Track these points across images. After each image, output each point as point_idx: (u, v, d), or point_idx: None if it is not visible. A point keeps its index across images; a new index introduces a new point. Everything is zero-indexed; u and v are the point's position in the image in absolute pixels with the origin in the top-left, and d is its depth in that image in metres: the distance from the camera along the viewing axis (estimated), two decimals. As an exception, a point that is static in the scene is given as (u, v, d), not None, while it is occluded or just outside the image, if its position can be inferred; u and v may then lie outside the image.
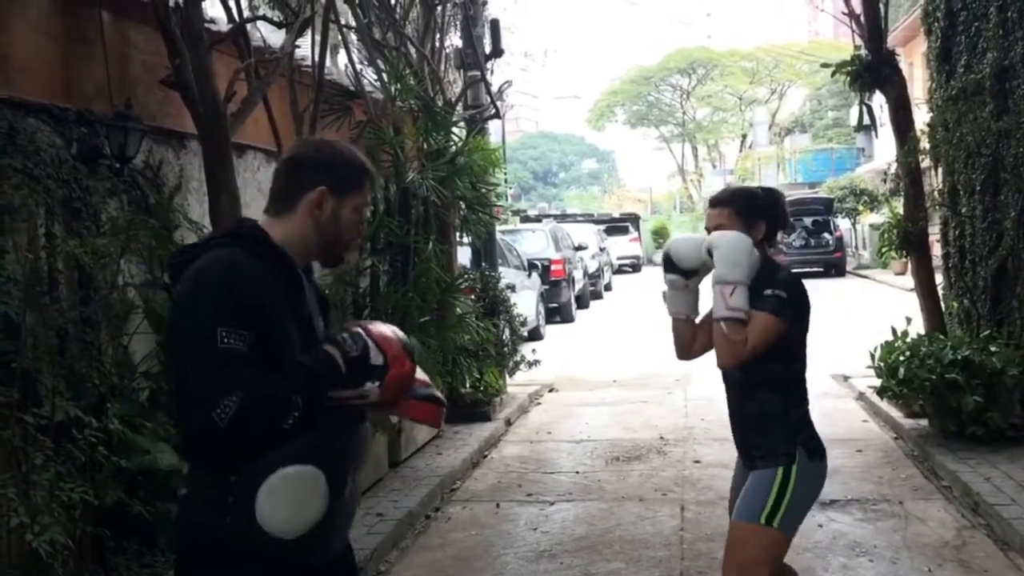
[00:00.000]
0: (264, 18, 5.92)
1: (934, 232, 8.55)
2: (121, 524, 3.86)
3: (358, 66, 6.95)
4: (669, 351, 3.33)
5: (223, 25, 5.40)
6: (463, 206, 7.94)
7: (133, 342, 4.53)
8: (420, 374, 2.24)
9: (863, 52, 7.99)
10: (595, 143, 70.02)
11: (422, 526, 5.63)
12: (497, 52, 9.69)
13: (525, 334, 10.79)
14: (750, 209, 3.00)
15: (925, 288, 7.89)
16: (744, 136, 49.66)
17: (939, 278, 8.24)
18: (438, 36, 8.42)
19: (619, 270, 28.64)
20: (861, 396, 8.61)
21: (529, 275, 14.49)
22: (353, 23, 7.10)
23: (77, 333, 4.04)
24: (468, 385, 8.17)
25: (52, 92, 4.35)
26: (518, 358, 9.25)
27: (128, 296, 4.54)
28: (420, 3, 8.06)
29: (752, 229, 2.95)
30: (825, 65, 8.85)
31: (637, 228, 33.97)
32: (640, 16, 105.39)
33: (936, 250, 8.49)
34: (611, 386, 10.16)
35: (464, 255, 9.97)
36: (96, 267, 4.14)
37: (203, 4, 4.92)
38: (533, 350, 9.70)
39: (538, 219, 26.65)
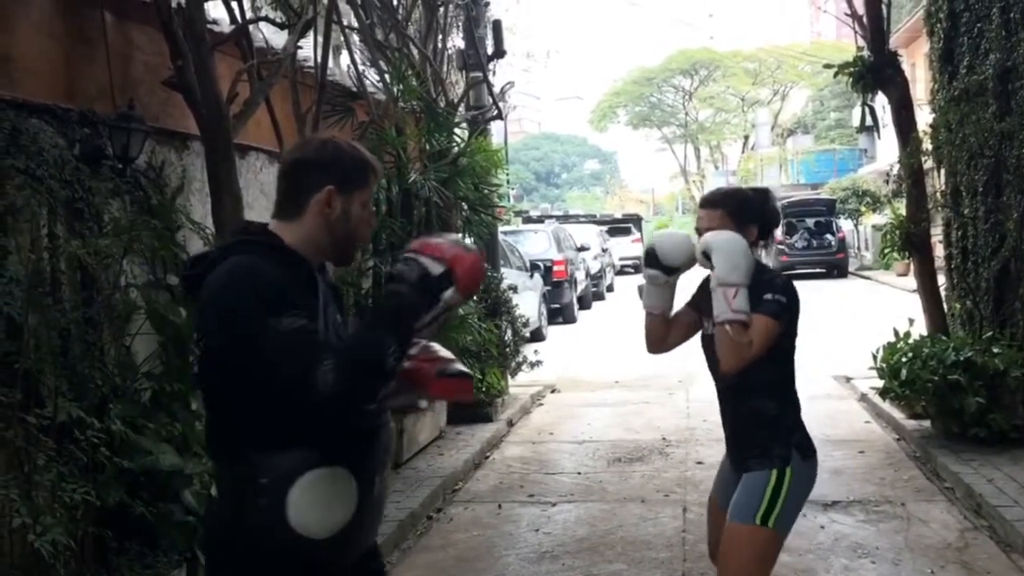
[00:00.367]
0: (266, 19, 5.92)
1: (936, 233, 8.54)
2: (123, 525, 3.87)
3: (360, 67, 6.95)
4: (670, 352, 3.33)
5: (225, 26, 5.41)
6: (465, 207, 7.94)
7: (135, 343, 4.54)
8: (443, 351, 2.29)
9: (865, 53, 7.99)
10: (597, 144, 70.03)
11: (424, 527, 5.63)
12: (499, 53, 9.69)
13: (527, 335, 10.79)
14: (743, 212, 2.98)
15: (927, 289, 7.89)
16: (746, 137, 49.63)
17: (941, 279, 8.23)
18: (440, 37, 8.42)
19: (621, 271, 28.61)
20: (863, 397, 8.60)
21: (531, 276, 14.49)
22: (355, 24, 7.10)
23: (79, 334, 4.04)
24: (470, 386, 8.15)
25: (55, 93, 4.35)
26: (520, 359, 9.25)
27: (130, 297, 4.54)
28: (422, 4, 8.07)
29: (744, 232, 2.93)
30: (828, 66, 8.85)
31: (639, 229, 33.92)
32: (642, 17, 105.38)
33: (938, 251, 8.48)
34: (613, 387, 10.16)
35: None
36: (99, 268, 4.14)
37: (206, 5, 4.92)
38: (535, 351, 9.70)
39: (540, 220, 26.65)
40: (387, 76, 7.01)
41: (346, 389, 1.88)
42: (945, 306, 8.02)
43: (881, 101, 8.49)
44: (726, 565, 2.96)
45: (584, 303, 19.18)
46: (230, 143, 4.82)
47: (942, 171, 8.48)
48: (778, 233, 25.27)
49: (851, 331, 12.52)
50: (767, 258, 3.08)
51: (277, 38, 6.04)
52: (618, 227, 31.88)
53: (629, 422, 8.34)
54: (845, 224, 27.15)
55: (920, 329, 7.56)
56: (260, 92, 5.22)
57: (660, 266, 3.03)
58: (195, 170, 5.35)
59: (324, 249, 2.14)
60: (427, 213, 7.33)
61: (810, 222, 25.52)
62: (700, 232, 3.01)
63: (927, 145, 7.77)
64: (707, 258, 2.83)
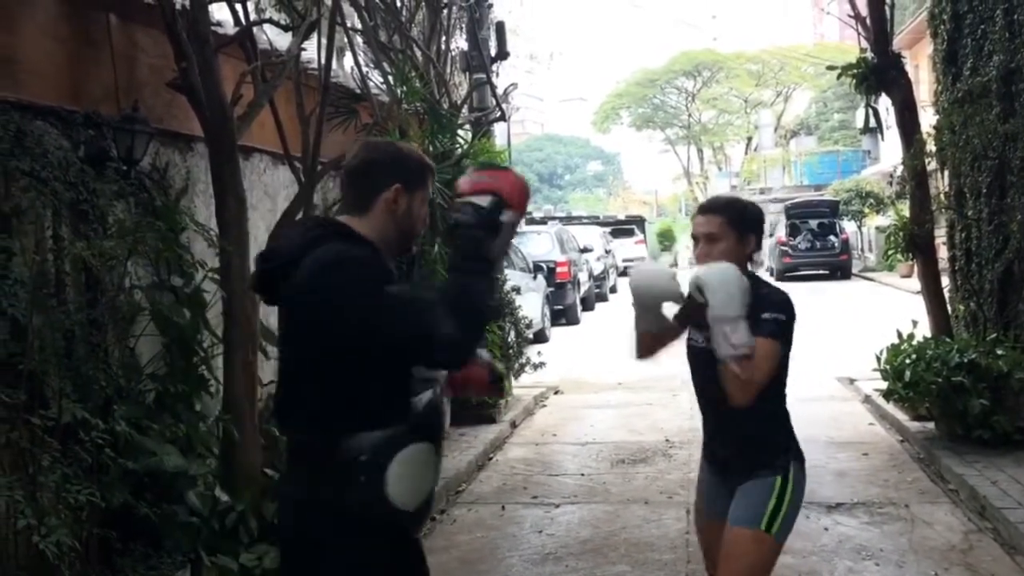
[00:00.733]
0: (271, 21, 5.93)
1: (940, 235, 8.54)
2: (127, 526, 3.88)
3: (364, 69, 6.95)
4: (673, 352, 3.29)
5: (230, 28, 5.41)
6: (469, 208, 7.93)
7: (139, 344, 4.54)
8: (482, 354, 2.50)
9: (869, 55, 7.99)
10: (600, 145, 69.95)
11: (427, 528, 5.63)
12: (502, 55, 9.70)
13: (530, 336, 10.79)
14: (744, 221, 2.91)
15: (931, 291, 7.88)
16: (750, 138, 49.60)
17: (945, 281, 8.22)
18: (444, 39, 8.42)
19: (624, 272, 28.55)
20: (867, 399, 8.59)
21: (534, 277, 14.49)
22: (359, 26, 7.11)
23: (84, 335, 4.05)
24: (473, 387, 8.16)
25: (60, 95, 4.36)
26: (523, 360, 9.25)
27: (135, 298, 4.55)
28: (426, 6, 8.07)
29: (745, 242, 2.89)
30: (831, 67, 8.84)
31: (643, 230, 33.88)
32: (645, 18, 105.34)
33: (942, 253, 8.48)
34: (616, 388, 10.16)
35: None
36: (103, 269, 4.15)
37: (210, 7, 4.93)
38: (538, 352, 9.69)
39: (543, 221, 26.61)
40: (391, 78, 7.01)
41: (464, 332, 2.05)
42: (949, 308, 8.01)
43: (885, 103, 8.48)
44: (729, 570, 2.88)
45: (587, 304, 19.18)
46: (234, 145, 4.82)
47: (946, 173, 8.48)
48: (781, 234, 25.36)
49: (855, 333, 12.50)
50: (764, 256, 3.02)
51: (281, 40, 6.04)
52: (621, 228, 31.83)
53: (632, 423, 8.34)
54: (848, 226, 27.13)
55: (924, 331, 7.55)
56: (264, 94, 5.22)
57: (646, 307, 2.94)
58: (199, 172, 5.36)
59: (389, 241, 2.29)
60: (431, 214, 7.33)
61: (813, 223, 25.49)
62: (696, 238, 2.93)
63: (931, 147, 7.77)
64: (700, 292, 2.72)
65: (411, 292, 2.17)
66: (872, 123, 8.80)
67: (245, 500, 4.38)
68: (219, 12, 5.34)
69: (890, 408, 7.62)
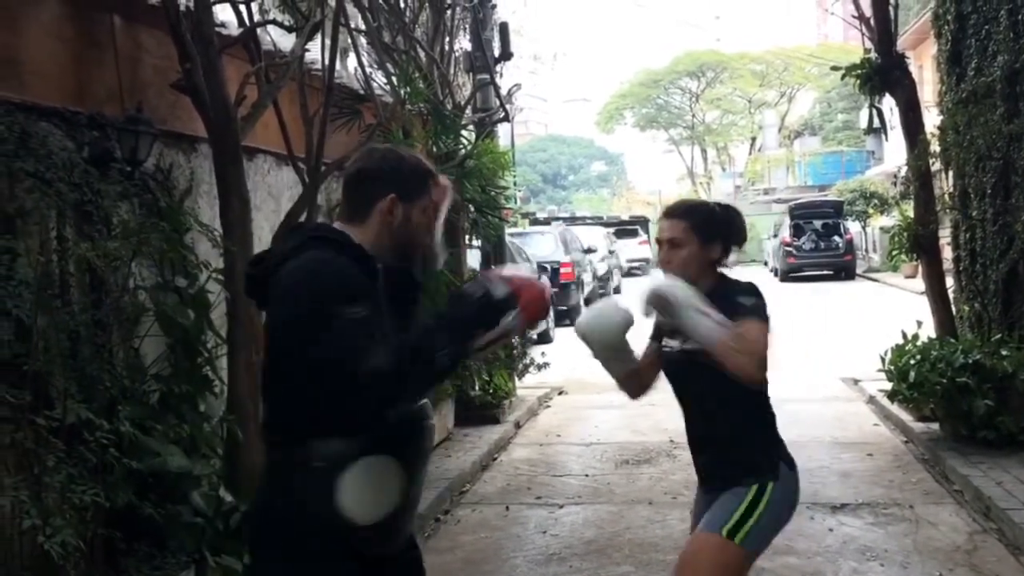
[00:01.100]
0: (274, 22, 5.93)
1: (944, 235, 8.53)
2: (132, 526, 3.88)
3: (368, 70, 6.96)
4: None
5: (233, 29, 5.42)
6: (472, 209, 7.95)
7: (144, 345, 4.55)
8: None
9: (873, 55, 7.99)
10: (604, 146, 69.95)
11: (431, 529, 5.63)
12: (506, 55, 9.70)
13: (534, 337, 10.79)
14: (708, 227, 2.80)
15: (936, 291, 7.87)
16: (753, 139, 49.56)
17: (950, 281, 8.21)
18: (447, 39, 8.43)
19: (628, 273, 28.58)
20: (871, 399, 8.58)
21: (538, 278, 14.46)
22: (363, 27, 7.11)
23: (88, 336, 4.05)
24: (477, 388, 8.18)
25: (64, 96, 4.36)
26: (527, 361, 9.25)
27: (139, 299, 4.55)
28: (430, 7, 8.07)
29: (708, 249, 2.78)
30: (835, 68, 8.84)
31: (646, 231, 33.85)
32: (648, 19, 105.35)
33: (947, 253, 8.47)
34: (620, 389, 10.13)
35: (474, 258, 9.98)
36: (107, 270, 4.15)
37: (214, 9, 4.93)
38: (542, 353, 9.68)
39: (547, 222, 26.66)
40: (394, 79, 7.01)
41: (392, 385, 1.98)
42: (953, 308, 8.01)
43: (889, 103, 8.47)
44: (682, 573, 2.76)
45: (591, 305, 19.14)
46: (238, 146, 4.83)
47: (950, 173, 8.47)
48: (785, 235, 25.35)
49: (859, 333, 12.49)
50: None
51: (285, 41, 6.05)
52: (625, 229, 31.87)
53: (636, 424, 8.34)
54: (853, 226, 27.09)
55: (928, 331, 7.55)
56: (268, 95, 5.23)
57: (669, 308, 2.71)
58: (203, 172, 5.36)
59: (387, 251, 2.24)
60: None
61: (817, 224, 25.48)
62: (660, 243, 2.84)
63: (935, 147, 7.76)
64: (658, 307, 2.65)
65: (363, 319, 2.00)
66: (876, 123, 8.78)
67: (249, 500, 4.38)
68: (223, 13, 5.35)
69: (894, 409, 7.61)
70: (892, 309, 15.22)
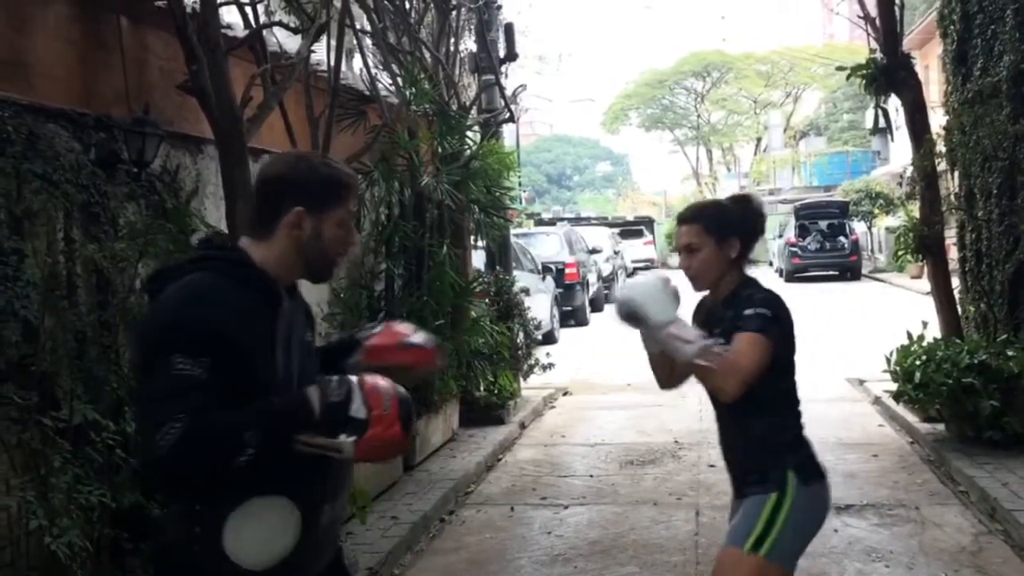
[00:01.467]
0: (280, 24, 5.95)
1: (950, 236, 8.51)
2: (139, 526, 3.89)
3: (373, 71, 6.97)
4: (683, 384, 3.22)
5: (239, 31, 5.43)
6: (477, 210, 7.95)
7: (150, 345, 4.55)
8: (403, 326, 2.30)
9: (878, 55, 7.97)
10: (609, 146, 69.94)
11: (436, 529, 5.64)
12: (511, 56, 9.71)
13: (539, 337, 10.79)
14: (722, 225, 2.77)
15: (941, 292, 7.86)
16: (759, 139, 49.52)
17: (955, 282, 8.20)
18: (453, 40, 8.44)
19: (633, 273, 28.56)
20: (877, 400, 8.58)
21: (543, 278, 14.49)
22: (368, 28, 7.13)
23: (95, 337, 4.07)
24: (482, 388, 8.19)
25: (71, 97, 4.38)
26: (532, 361, 9.26)
27: (145, 300, 4.56)
28: (435, 8, 8.08)
29: (725, 246, 2.75)
30: (840, 68, 8.82)
31: (652, 231, 33.89)
32: (654, 19, 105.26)
33: (952, 254, 8.45)
34: (625, 390, 10.15)
35: (478, 259, 10.00)
36: (114, 271, 4.16)
37: (220, 10, 4.95)
38: (547, 353, 9.70)
39: (552, 222, 26.66)
40: (399, 79, 7.03)
41: (178, 459, 1.79)
42: (959, 309, 7.99)
43: (894, 103, 8.46)
44: None
45: (596, 306, 19.17)
46: (244, 147, 4.84)
47: (956, 173, 8.46)
48: (791, 235, 25.31)
49: (864, 334, 12.48)
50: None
51: (291, 42, 6.06)
52: (630, 229, 31.85)
53: (641, 425, 8.34)
54: (858, 226, 27.09)
55: (934, 332, 7.53)
56: (274, 96, 5.24)
57: (640, 323, 2.69)
58: (209, 174, 5.38)
59: (295, 269, 2.07)
60: (439, 216, 7.36)
61: (823, 224, 25.46)
62: (679, 250, 2.83)
63: (941, 147, 7.75)
64: (632, 316, 2.62)
65: (184, 377, 1.81)
66: (882, 124, 8.79)
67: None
68: (229, 15, 5.36)
69: (900, 409, 7.60)
70: (897, 310, 15.21)
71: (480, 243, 9.19)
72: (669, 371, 2.96)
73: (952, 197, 8.51)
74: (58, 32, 4.36)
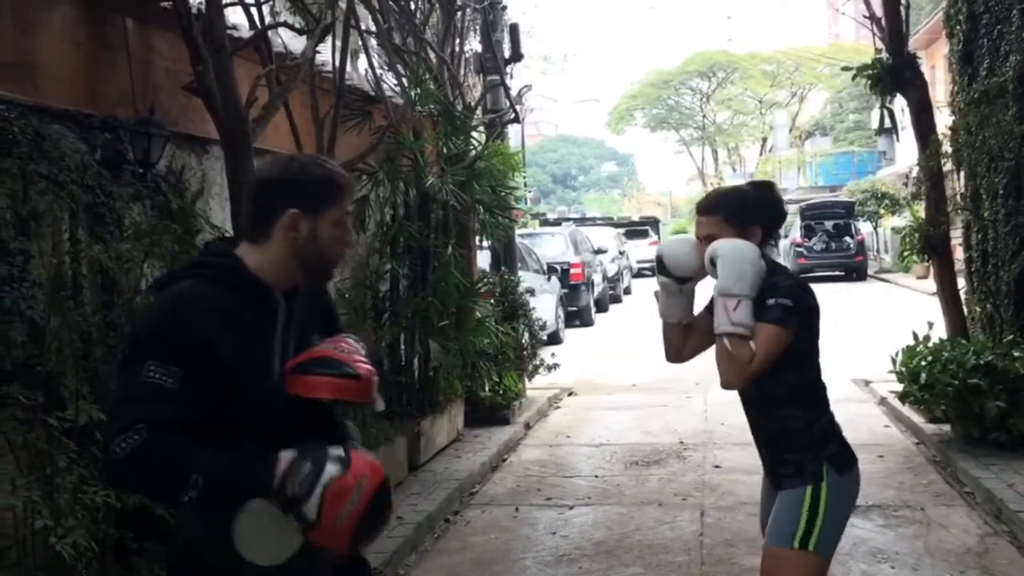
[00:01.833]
0: (285, 24, 5.96)
1: (956, 236, 8.50)
2: (143, 526, 3.89)
3: (378, 71, 6.98)
4: (691, 360, 3.23)
5: (245, 32, 5.44)
6: (482, 210, 7.96)
7: (155, 346, 4.56)
8: (344, 350, 2.03)
9: (884, 55, 7.96)
10: (615, 146, 69.96)
11: (441, 530, 5.64)
12: (516, 56, 9.71)
13: (544, 338, 10.80)
14: (743, 213, 2.74)
15: (947, 292, 7.84)
16: (764, 139, 49.44)
17: (961, 282, 8.18)
18: (458, 41, 8.44)
19: (639, 274, 28.52)
20: (883, 401, 8.56)
21: (548, 279, 14.49)
22: (373, 29, 7.13)
23: (100, 337, 4.08)
24: (487, 389, 8.19)
25: (77, 98, 4.39)
26: (537, 362, 9.26)
27: (151, 301, 4.57)
28: (440, 8, 8.09)
29: (747, 234, 2.70)
30: (846, 68, 8.81)
31: (657, 232, 33.87)
32: (659, 19, 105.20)
33: (958, 254, 8.44)
34: (630, 390, 10.14)
35: (483, 259, 9.99)
36: (119, 272, 4.17)
37: (225, 11, 4.96)
38: (552, 354, 9.70)
39: (557, 223, 26.66)
40: (405, 80, 7.03)
41: (129, 468, 1.82)
42: (965, 309, 7.97)
43: (900, 103, 8.44)
44: None
45: (601, 306, 19.16)
46: (249, 147, 4.85)
47: (962, 174, 8.44)
48: (797, 235, 25.28)
49: (870, 334, 12.45)
50: (779, 257, 2.90)
51: (296, 43, 6.07)
52: (635, 230, 31.84)
53: (646, 425, 8.33)
54: (864, 226, 27.03)
55: (940, 332, 7.52)
56: (279, 97, 5.25)
57: (671, 274, 2.81)
58: (215, 174, 5.39)
59: (293, 273, 2.06)
60: (444, 216, 7.36)
61: (829, 224, 25.44)
62: (700, 240, 2.79)
63: (947, 148, 7.73)
64: (712, 265, 2.64)
65: (154, 385, 1.82)
66: (887, 124, 8.76)
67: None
68: (234, 16, 5.37)
69: (905, 410, 7.59)
70: (903, 310, 15.17)
71: (485, 243, 9.20)
72: (681, 345, 2.96)
73: (958, 197, 8.49)
74: (64, 33, 4.37)
